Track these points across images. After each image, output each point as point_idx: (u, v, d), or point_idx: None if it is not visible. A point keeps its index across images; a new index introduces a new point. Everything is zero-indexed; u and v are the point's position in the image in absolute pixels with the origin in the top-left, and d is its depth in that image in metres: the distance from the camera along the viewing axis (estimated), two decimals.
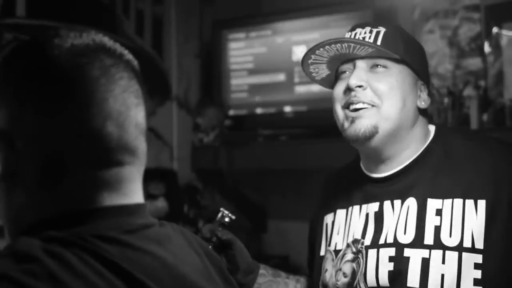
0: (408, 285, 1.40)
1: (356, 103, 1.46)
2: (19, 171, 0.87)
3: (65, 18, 2.81)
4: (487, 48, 2.75)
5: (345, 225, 1.57)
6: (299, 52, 3.16)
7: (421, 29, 2.95)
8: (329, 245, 1.60)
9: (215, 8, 3.58)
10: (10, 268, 0.76)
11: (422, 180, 1.47)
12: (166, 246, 0.91)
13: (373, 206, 1.52)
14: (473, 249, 1.37)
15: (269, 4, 3.56)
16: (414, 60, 1.51)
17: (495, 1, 2.75)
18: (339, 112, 1.51)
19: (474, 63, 2.82)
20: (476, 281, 1.36)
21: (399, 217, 1.46)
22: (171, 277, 0.88)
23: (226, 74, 3.41)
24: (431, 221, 1.42)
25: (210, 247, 1.52)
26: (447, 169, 1.45)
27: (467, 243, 1.37)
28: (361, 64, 1.48)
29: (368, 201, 1.53)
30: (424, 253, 1.40)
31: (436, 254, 1.39)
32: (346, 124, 1.48)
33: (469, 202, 1.39)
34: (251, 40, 3.34)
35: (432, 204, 1.43)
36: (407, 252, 1.42)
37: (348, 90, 1.47)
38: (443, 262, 1.38)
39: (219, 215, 1.59)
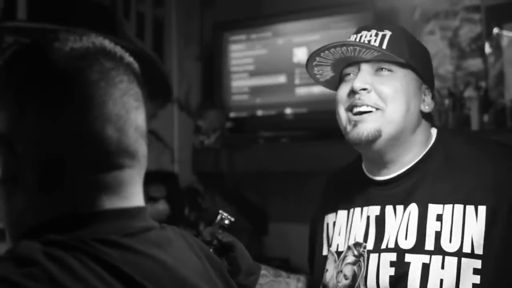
0: None
1: (360, 106, 1.46)
2: (19, 174, 0.87)
3: (66, 21, 2.81)
4: (487, 49, 2.75)
5: (347, 226, 1.58)
6: (299, 54, 3.17)
7: (421, 30, 2.95)
8: (331, 245, 1.60)
9: (215, 10, 3.58)
10: (11, 272, 0.76)
11: (423, 185, 1.47)
12: (166, 249, 0.91)
13: (374, 210, 1.52)
14: (472, 255, 1.37)
15: (269, 6, 3.56)
16: (419, 64, 1.51)
17: (495, 1, 2.75)
18: (342, 114, 1.50)
19: (474, 64, 2.82)
20: (474, 286, 1.36)
21: (401, 222, 1.46)
22: (172, 281, 0.88)
23: (227, 76, 3.41)
24: (431, 226, 1.42)
25: (211, 250, 1.52)
26: (448, 174, 1.45)
27: (466, 249, 1.37)
28: (366, 67, 1.48)
29: (369, 203, 1.53)
30: (425, 258, 1.40)
31: (436, 259, 1.39)
32: (349, 128, 1.48)
33: (470, 208, 1.39)
34: (252, 42, 3.34)
35: (433, 209, 1.43)
36: (408, 257, 1.42)
37: (352, 92, 1.47)
38: (443, 267, 1.38)
39: (218, 217, 1.60)
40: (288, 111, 3.23)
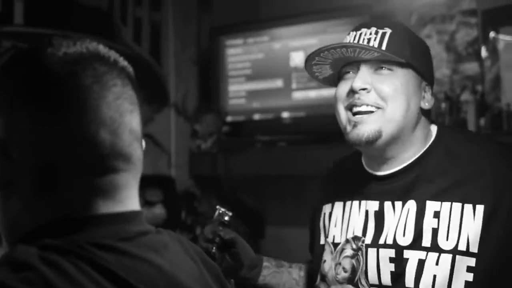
0: (406, 285, 1.42)
1: (360, 106, 1.45)
2: (14, 179, 0.87)
3: (63, 26, 2.82)
4: (484, 52, 2.76)
5: (343, 218, 1.59)
6: (296, 58, 3.18)
7: (418, 34, 2.95)
8: (327, 236, 1.62)
9: (212, 14, 3.59)
10: (7, 277, 0.76)
11: (422, 181, 1.47)
12: (162, 254, 0.91)
13: (373, 204, 1.52)
14: (467, 253, 1.38)
15: (266, 10, 3.57)
16: (420, 62, 1.50)
17: (492, 5, 2.75)
18: (342, 113, 1.50)
19: (471, 67, 2.82)
20: (467, 284, 1.36)
21: (399, 218, 1.47)
22: (168, 285, 0.88)
23: (224, 80, 3.41)
24: (429, 223, 1.42)
25: (213, 248, 1.54)
26: (447, 171, 1.45)
27: (462, 247, 1.38)
28: (365, 66, 1.47)
29: (368, 198, 1.54)
30: (421, 254, 1.41)
31: (432, 256, 1.40)
32: (349, 128, 1.48)
33: (468, 207, 1.40)
34: (249, 46, 3.35)
35: (431, 206, 1.43)
36: (406, 253, 1.43)
37: (352, 92, 1.46)
38: (437, 264, 1.39)
39: (216, 213, 1.60)
40: (285, 115, 3.24)
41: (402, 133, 1.47)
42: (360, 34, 1.48)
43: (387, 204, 1.50)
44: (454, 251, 1.38)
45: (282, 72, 3.23)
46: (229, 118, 3.40)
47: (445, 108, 2.71)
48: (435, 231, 1.41)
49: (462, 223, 1.39)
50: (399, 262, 1.43)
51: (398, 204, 1.48)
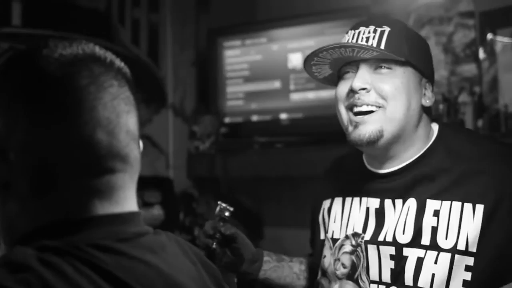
0: (406, 283, 1.42)
1: (360, 106, 1.45)
2: (11, 181, 0.87)
3: (61, 27, 2.82)
4: (481, 54, 2.76)
5: (342, 214, 1.59)
6: (294, 60, 3.18)
7: None
8: (327, 232, 1.63)
9: (210, 16, 3.59)
10: (5, 278, 0.76)
11: (422, 180, 1.47)
12: (160, 255, 0.91)
13: (374, 202, 1.52)
14: (466, 252, 1.38)
15: (264, 12, 3.57)
16: (419, 60, 1.49)
17: (489, 7, 2.76)
18: (343, 113, 1.50)
19: (469, 69, 2.83)
20: (465, 282, 1.37)
21: (400, 216, 1.47)
22: (165, 286, 0.88)
23: (222, 81, 3.41)
24: (428, 221, 1.42)
25: (214, 243, 1.54)
26: (448, 170, 1.45)
27: (461, 246, 1.38)
28: (365, 66, 1.46)
29: (368, 195, 1.54)
30: (420, 252, 1.42)
31: (431, 254, 1.40)
32: (350, 128, 1.47)
33: (468, 206, 1.40)
34: (247, 47, 3.35)
35: (431, 204, 1.43)
36: (405, 251, 1.44)
37: (352, 92, 1.46)
38: (436, 263, 1.40)
39: (217, 208, 1.61)
40: (283, 116, 3.24)
41: (404, 131, 1.46)
42: (359, 33, 1.48)
43: (388, 202, 1.50)
44: (453, 250, 1.38)
45: (280, 73, 3.23)
46: (227, 120, 3.40)
47: (443, 109, 2.71)
48: (434, 230, 1.41)
49: (461, 222, 1.39)
50: (399, 259, 1.44)
51: (399, 202, 1.48)
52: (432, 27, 2.94)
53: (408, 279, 1.42)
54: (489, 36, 2.73)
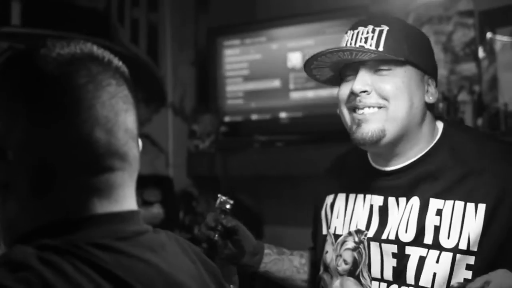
0: (407, 282, 1.43)
1: (362, 108, 1.45)
2: (11, 180, 0.87)
3: (60, 27, 2.82)
4: (481, 53, 2.76)
5: (346, 211, 1.60)
6: (294, 59, 3.18)
7: None
8: (329, 227, 1.63)
9: (210, 15, 3.59)
10: (5, 277, 0.76)
11: (426, 179, 1.47)
12: (160, 253, 0.92)
13: (378, 199, 1.53)
14: (467, 251, 1.38)
15: (264, 11, 3.57)
16: (420, 57, 1.48)
17: (488, 6, 2.76)
18: (346, 115, 1.50)
19: (468, 68, 2.83)
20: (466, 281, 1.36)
21: (403, 215, 1.47)
22: (165, 285, 0.88)
23: (222, 80, 3.41)
24: (431, 221, 1.43)
25: (216, 235, 1.54)
26: (451, 170, 1.45)
27: (462, 246, 1.39)
28: (364, 68, 1.46)
29: (373, 192, 1.55)
30: (422, 251, 1.42)
31: (433, 254, 1.41)
32: (354, 127, 1.48)
33: (470, 206, 1.40)
34: (246, 47, 3.35)
35: (434, 203, 1.44)
36: (408, 250, 1.44)
37: (353, 94, 1.46)
38: (437, 262, 1.40)
39: (218, 201, 1.61)
40: (282, 115, 3.24)
41: (408, 130, 1.46)
42: (358, 34, 1.47)
43: (392, 200, 1.50)
44: (455, 250, 1.39)
45: (279, 72, 3.23)
46: (226, 118, 3.40)
47: (442, 108, 2.71)
48: (437, 229, 1.42)
49: (464, 222, 1.40)
50: (401, 258, 1.45)
51: (402, 200, 1.49)
52: (431, 26, 2.94)
53: (410, 278, 1.42)
54: (489, 35, 2.73)
